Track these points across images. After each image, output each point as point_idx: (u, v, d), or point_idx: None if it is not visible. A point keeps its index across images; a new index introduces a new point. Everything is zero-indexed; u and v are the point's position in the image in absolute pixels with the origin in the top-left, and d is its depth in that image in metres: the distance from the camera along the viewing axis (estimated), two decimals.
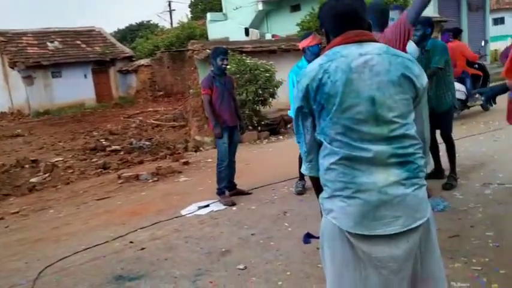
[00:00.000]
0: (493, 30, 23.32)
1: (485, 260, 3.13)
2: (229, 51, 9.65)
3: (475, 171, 5.20)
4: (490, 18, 23.01)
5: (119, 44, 26.29)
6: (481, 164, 5.38)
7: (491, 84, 8.25)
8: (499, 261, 3.10)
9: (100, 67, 23.92)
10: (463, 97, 8.15)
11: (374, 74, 1.73)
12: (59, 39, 23.54)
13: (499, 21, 25.67)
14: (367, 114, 1.71)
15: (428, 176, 3.94)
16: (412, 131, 1.78)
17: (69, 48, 23.46)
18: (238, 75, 9.05)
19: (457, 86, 7.35)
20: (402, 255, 1.72)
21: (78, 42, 24.13)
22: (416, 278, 1.79)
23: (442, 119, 4.69)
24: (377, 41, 1.85)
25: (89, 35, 25.32)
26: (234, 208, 5.03)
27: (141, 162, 8.70)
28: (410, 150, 1.76)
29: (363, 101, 1.71)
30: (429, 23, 4.76)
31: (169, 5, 38.76)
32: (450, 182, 4.73)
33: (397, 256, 1.72)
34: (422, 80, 1.82)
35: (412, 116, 1.80)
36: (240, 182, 5.65)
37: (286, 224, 4.33)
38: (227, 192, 5.36)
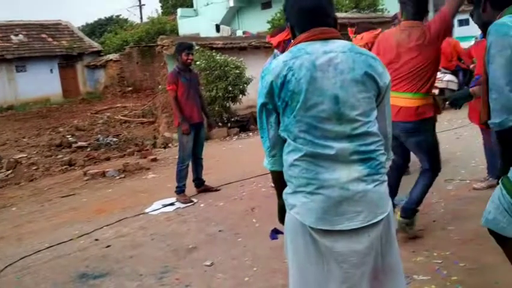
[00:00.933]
0: (458, 31, 23.95)
1: (446, 253, 3.22)
2: (199, 47, 9.64)
3: None
4: (455, 20, 23.61)
5: (86, 39, 25.73)
6: (444, 160, 5.45)
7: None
8: (459, 254, 3.19)
9: (67, 62, 23.36)
10: (455, 88, 8.42)
11: (338, 72, 1.73)
12: (24, 33, 22.86)
13: (464, 23, 26.36)
14: (330, 113, 1.73)
15: None
16: (374, 128, 1.80)
17: (35, 41, 22.82)
18: (208, 72, 9.00)
19: (451, 77, 7.99)
20: (363, 250, 1.75)
21: (44, 35, 23.49)
22: (377, 272, 1.82)
23: None
24: (341, 38, 1.84)
25: (56, 29, 24.67)
26: (202, 205, 5.01)
27: (107, 159, 8.55)
28: (372, 147, 1.78)
29: (326, 99, 1.72)
30: None
31: None
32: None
33: (359, 250, 1.75)
34: (385, 78, 1.84)
35: (375, 113, 1.83)
36: (209, 178, 5.63)
37: (253, 220, 4.34)
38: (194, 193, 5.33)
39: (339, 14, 13.58)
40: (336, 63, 1.74)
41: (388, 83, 1.86)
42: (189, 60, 5.15)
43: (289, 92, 1.75)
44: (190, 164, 5.27)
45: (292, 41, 1.93)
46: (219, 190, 5.46)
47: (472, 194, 4.47)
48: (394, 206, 3.57)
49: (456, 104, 3.37)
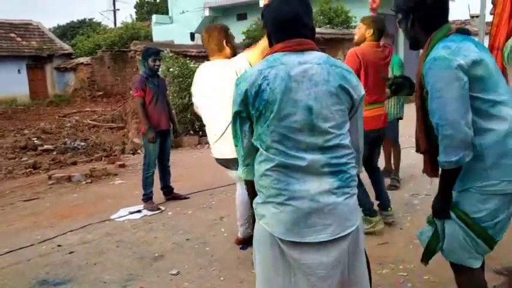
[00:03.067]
0: None
1: (411, 266, 3.27)
2: (173, 54, 9.59)
3: (406, 182, 5.44)
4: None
5: (57, 40, 25.18)
6: (411, 175, 5.64)
7: None
8: (423, 267, 3.23)
9: (36, 63, 22.78)
10: None
11: (313, 83, 1.74)
12: None
13: None
14: (303, 124, 1.73)
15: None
16: (346, 141, 1.81)
17: (2, 40, 22.16)
18: (181, 79, 8.95)
19: None
20: (331, 263, 1.76)
21: (13, 35, 22.86)
22: (344, 284, 1.82)
23: (389, 126, 4.84)
24: (318, 49, 1.85)
25: (26, 29, 24.04)
26: (170, 213, 4.94)
27: (74, 163, 8.34)
28: (344, 160, 1.79)
29: (300, 110, 1.72)
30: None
31: (114, 3, 37.64)
32: (394, 184, 5.26)
33: (326, 263, 1.75)
34: (359, 91, 1.85)
35: (347, 126, 1.83)
36: (178, 186, 5.57)
37: (222, 230, 4.30)
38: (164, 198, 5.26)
39: None
40: (310, 75, 1.74)
41: (362, 97, 1.87)
42: (156, 66, 5.08)
43: (263, 102, 1.74)
44: (157, 171, 5.19)
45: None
46: (187, 198, 5.40)
47: None
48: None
49: (397, 91, 3.61)
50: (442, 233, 2.07)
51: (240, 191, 3.68)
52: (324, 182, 1.74)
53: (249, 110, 1.80)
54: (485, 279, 2.13)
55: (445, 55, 1.89)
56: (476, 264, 2.04)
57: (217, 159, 3.61)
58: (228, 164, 3.47)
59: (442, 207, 2.01)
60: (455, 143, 1.84)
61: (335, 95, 1.76)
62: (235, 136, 1.93)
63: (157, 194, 5.29)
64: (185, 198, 5.39)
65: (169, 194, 5.37)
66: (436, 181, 2.05)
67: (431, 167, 2.14)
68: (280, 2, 1.84)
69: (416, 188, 5.14)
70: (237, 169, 2.19)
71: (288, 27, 1.82)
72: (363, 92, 1.87)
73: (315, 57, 1.79)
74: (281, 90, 1.72)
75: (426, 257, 2.20)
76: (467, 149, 1.85)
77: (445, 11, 2.07)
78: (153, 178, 5.14)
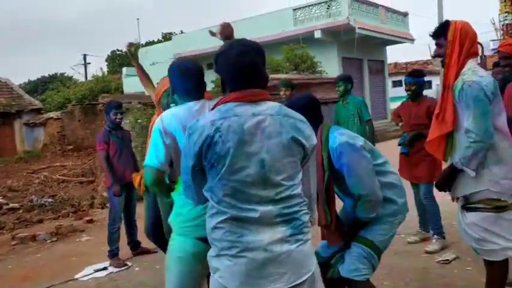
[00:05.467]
0: (392, 91, 25.51)
1: None
2: (141, 105, 9.60)
3: None
4: (389, 81, 25.22)
5: (26, 96, 24.97)
6: None
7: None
8: None
9: (4, 119, 22.43)
10: None
11: (265, 136, 1.73)
12: None
13: (397, 84, 28.17)
14: (256, 177, 1.71)
15: None
16: (298, 190, 1.80)
17: None
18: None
19: None
20: None
21: None
22: None
23: None
24: (271, 99, 1.84)
25: None
26: (137, 268, 4.79)
27: (40, 221, 8.06)
28: (296, 208, 1.78)
29: (252, 164, 1.71)
30: (349, 79, 5.45)
31: (85, 58, 37.93)
32: None
33: None
34: (312, 141, 1.86)
35: (299, 176, 1.83)
36: (146, 240, 5.40)
37: None
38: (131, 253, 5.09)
39: (279, 75, 14.14)
40: (263, 127, 1.73)
41: (314, 146, 1.88)
42: (117, 120, 5.05)
43: (215, 155, 1.72)
44: (123, 226, 5.06)
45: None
46: (155, 252, 5.23)
47: (406, 247, 4.58)
48: None
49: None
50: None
51: None
52: (277, 231, 1.73)
53: (202, 161, 1.76)
54: None
55: (349, 141, 2.53)
56: None
57: None
58: None
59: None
60: (376, 204, 2.49)
61: (287, 147, 1.75)
62: (187, 186, 1.90)
63: (125, 249, 5.13)
64: (153, 252, 5.22)
65: (137, 249, 5.21)
66: None
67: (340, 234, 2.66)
68: (238, 51, 1.79)
69: None
70: None
71: (245, 78, 1.79)
72: (315, 141, 1.89)
73: (268, 108, 1.78)
74: (234, 143, 1.70)
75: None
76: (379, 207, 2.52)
77: None
78: (119, 233, 5.00)
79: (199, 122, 1.80)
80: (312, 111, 2.59)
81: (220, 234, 1.75)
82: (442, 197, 3.96)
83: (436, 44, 2.82)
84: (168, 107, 2.85)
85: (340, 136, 2.53)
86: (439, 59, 2.84)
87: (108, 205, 8.70)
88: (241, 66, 1.79)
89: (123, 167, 4.98)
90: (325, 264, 2.70)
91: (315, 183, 2.05)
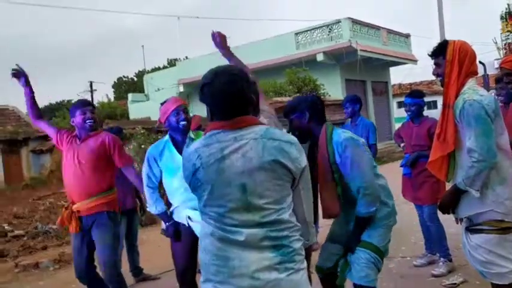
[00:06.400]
0: (397, 112, 25.49)
1: None
2: (144, 131, 9.65)
3: None
4: (394, 102, 25.24)
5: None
6: None
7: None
8: None
9: (11, 147, 22.62)
10: None
11: (246, 160, 1.70)
12: None
13: (402, 104, 28.20)
14: (238, 202, 1.69)
15: None
16: (286, 215, 1.74)
17: None
18: None
19: None
20: None
21: None
22: None
23: None
24: (259, 123, 1.81)
25: (2, 114, 24.15)
26: None
27: (44, 248, 8.02)
28: (285, 233, 1.72)
29: (234, 189, 1.69)
30: (357, 100, 5.32)
31: (91, 85, 38.34)
32: None
33: None
34: (300, 162, 1.79)
35: (288, 199, 1.77)
36: (149, 266, 5.36)
37: None
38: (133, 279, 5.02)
39: (283, 99, 14.17)
40: (244, 151, 1.71)
41: (303, 168, 1.81)
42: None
43: (198, 182, 1.73)
44: (124, 252, 5.00)
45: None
46: (158, 279, 5.19)
47: (412, 271, 4.49)
48: None
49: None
50: None
51: None
52: (265, 257, 1.68)
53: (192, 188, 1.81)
54: None
55: (353, 137, 2.70)
56: None
57: None
58: None
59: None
60: (375, 198, 2.63)
61: (270, 170, 1.71)
62: None
63: (126, 276, 5.05)
64: (156, 278, 5.17)
65: (139, 276, 5.15)
66: None
67: None
68: (223, 81, 1.76)
69: (390, 250, 5.02)
70: None
71: (231, 107, 1.77)
72: (303, 163, 1.81)
73: (252, 132, 1.75)
74: (214, 170, 1.70)
75: None
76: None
77: None
78: (121, 260, 4.93)
79: (187, 150, 1.83)
80: (316, 108, 2.81)
81: (208, 258, 1.74)
82: (447, 219, 3.89)
83: (435, 64, 2.81)
84: None
85: (344, 133, 2.71)
86: (439, 78, 2.83)
87: None
88: (227, 95, 1.76)
89: (124, 193, 4.93)
90: (331, 274, 2.81)
91: (310, 207, 2.00)
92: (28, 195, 17.63)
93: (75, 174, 3.60)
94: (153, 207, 3.29)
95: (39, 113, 3.82)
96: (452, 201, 2.69)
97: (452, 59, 2.67)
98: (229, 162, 1.70)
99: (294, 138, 1.86)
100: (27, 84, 3.75)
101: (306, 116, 2.77)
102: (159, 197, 3.33)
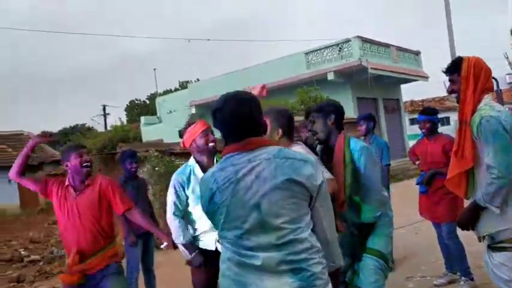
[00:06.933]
0: (410, 129, 25.35)
1: None
2: (158, 153, 9.70)
3: (399, 264, 5.26)
4: (406, 119, 25.12)
5: (48, 148, 25.62)
6: (404, 257, 5.48)
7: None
8: None
9: (26, 172, 22.90)
10: None
11: (261, 180, 1.70)
12: None
13: (415, 121, 28.06)
14: (253, 223, 1.69)
15: None
16: (305, 234, 1.72)
17: None
18: (168, 177, 8.97)
19: None
20: None
21: (4, 146, 23.32)
22: None
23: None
24: (270, 144, 1.83)
25: (17, 139, 24.57)
26: None
27: (61, 273, 8.03)
28: (303, 255, 1.69)
29: (248, 211, 1.69)
30: (371, 118, 5.32)
31: (104, 109, 38.92)
32: None
33: None
34: (316, 179, 1.77)
35: (306, 219, 1.75)
36: None
37: None
38: None
39: (295, 118, 14.18)
40: (258, 172, 1.72)
41: (319, 185, 1.78)
42: (133, 169, 5.04)
43: (215, 206, 1.74)
44: (141, 275, 4.98)
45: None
46: None
47: None
48: None
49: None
50: None
51: None
52: (283, 283, 1.66)
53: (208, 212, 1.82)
54: None
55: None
56: None
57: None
58: None
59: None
60: (382, 204, 2.89)
61: (284, 189, 1.70)
62: None
63: None
64: None
65: None
66: None
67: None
68: (233, 106, 1.81)
69: (410, 270, 4.97)
70: None
71: (242, 130, 1.81)
72: (319, 180, 1.79)
73: (265, 153, 1.76)
74: (229, 193, 1.71)
75: None
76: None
77: None
78: (137, 283, 4.92)
79: (205, 176, 1.86)
80: (341, 114, 3.04)
81: (227, 283, 1.73)
82: (467, 236, 3.82)
83: (450, 81, 2.80)
84: None
85: (359, 141, 2.93)
86: (455, 96, 2.82)
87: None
88: (237, 120, 1.81)
89: None
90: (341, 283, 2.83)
91: (331, 226, 1.92)
92: (43, 220, 17.76)
93: (78, 229, 3.39)
94: (180, 237, 3.18)
95: (24, 170, 3.70)
96: (471, 218, 2.65)
97: (467, 75, 2.67)
98: (244, 183, 1.71)
99: (309, 157, 1.86)
100: (35, 146, 3.76)
101: (332, 118, 2.95)
102: (186, 226, 3.26)
